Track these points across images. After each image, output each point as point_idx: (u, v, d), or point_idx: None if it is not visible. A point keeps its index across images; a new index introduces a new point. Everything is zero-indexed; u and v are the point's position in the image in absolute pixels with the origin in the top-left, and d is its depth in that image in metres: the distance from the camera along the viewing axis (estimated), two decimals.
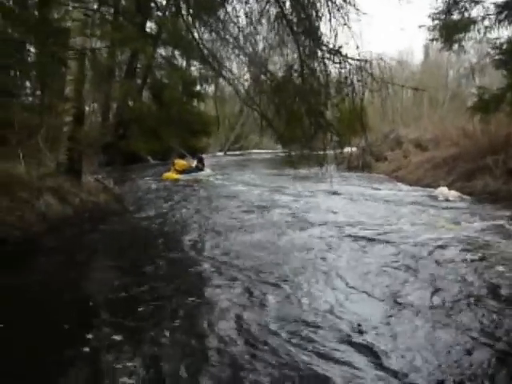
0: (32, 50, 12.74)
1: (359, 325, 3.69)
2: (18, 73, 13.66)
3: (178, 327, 3.75)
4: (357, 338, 3.48)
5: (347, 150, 17.00)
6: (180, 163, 16.87)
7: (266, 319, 3.86)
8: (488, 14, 12.12)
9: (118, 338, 3.53)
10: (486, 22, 12.34)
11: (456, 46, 13.71)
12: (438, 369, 3.06)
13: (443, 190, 11.25)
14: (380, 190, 12.89)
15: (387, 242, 6.47)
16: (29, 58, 13.19)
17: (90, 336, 3.61)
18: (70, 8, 10.88)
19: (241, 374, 3.03)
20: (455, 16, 12.57)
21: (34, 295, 4.53)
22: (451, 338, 3.51)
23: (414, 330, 3.63)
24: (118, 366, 3.11)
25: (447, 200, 10.54)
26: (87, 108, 19.45)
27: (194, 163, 17.36)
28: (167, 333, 3.63)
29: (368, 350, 3.29)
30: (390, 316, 3.91)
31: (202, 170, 17.61)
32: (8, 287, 4.66)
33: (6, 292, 4.54)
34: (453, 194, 10.91)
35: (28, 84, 15.07)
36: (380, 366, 3.08)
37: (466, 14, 12.39)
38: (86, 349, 3.38)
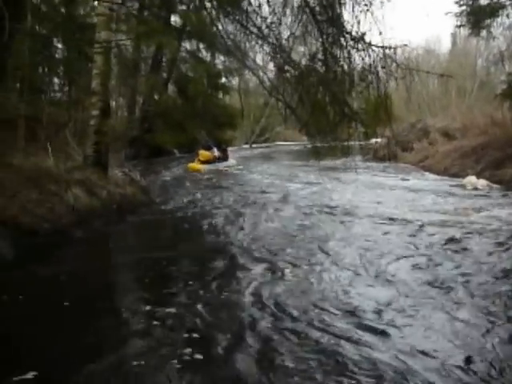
0: (59, 46, 12.95)
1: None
2: (46, 69, 13.88)
3: (208, 310, 3.80)
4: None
5: (373, 140, 16.97)
6: (204, 154, 17.32)
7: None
8: None
9: (144, 324, 3.59)
10: None
11: (484, 32, 13.49)
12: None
13: (471, 179, 11.10)
14: (407, 180, 12.78)
15: (418, 230, 6.43)
16: (56, 55, 13.40)
17: (117, 323, 3.70)
18: (96, 3, 11.01)
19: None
20: (483, 1, 12.32)
21: (65, 285, 4.61)
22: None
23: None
24: (146, 353, 3.15)
25: (476, 189, 10.41)
26: (114, 102, 19.72)
27: (217, 154, 17.73)
28: (199, 319, 3.67)
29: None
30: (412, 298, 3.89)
31: (226, 160, 18.22)
32: (40, 278, 4.77)
33: (38, 282, 4.65)
34: (481, 182, 10.75)
35: (56, 80, 15.31)
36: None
37: None
38: (114, 337, 3.45)
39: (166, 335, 3.41)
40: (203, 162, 16.88)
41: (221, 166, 17.31)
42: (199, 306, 3.88)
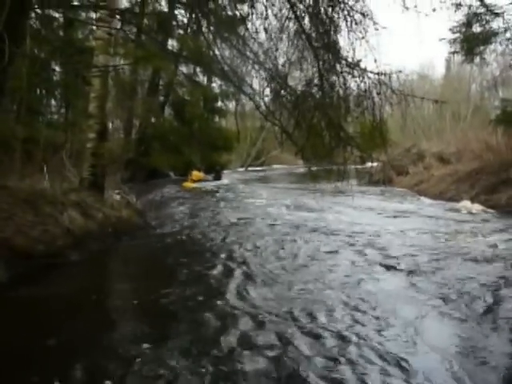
0: (57, 69, 13.06)
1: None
2: (43, 91, 13.98)
3: (203, 333, 3.79)
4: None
5: (368, 164, 17.07)
6: (196, 174, 20.27)
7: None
8: (509, 26, 12.03)
9: (141, 346, 3.56)
10: (508, 34, 12.26)
11: (478, 59, 13.66)
12: None
13: (466, 204, 11.14)
14: (402, 204, 12.82)
15: (411, 255, 6.41)
16: (54, 77, 13.50)
17: (112, 345, 3.67)
18: (94, 28, 11.13)
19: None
20: (476, 29, 12.51)
21: (58, 308, 4.60)
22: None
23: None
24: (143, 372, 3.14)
25: (470, 213, 10.44)
26: (110, 125, 19.81)
27: (207, 176, 21.06)
28: (195, 342, 3.66)
29: None
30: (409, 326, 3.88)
31: (219, 179, 21.44)
32: (33, 300, 4.74)
33: (31, 305, 4.63)
34: (476, 207, 10.80)
35: (53, 102, 15.41)
36: None
37: (487, 27, 12.32)
38: (110, 360, 3.42)
39: (160, 360, 3.37)
40: (195, 181, 19.68)
41: (211, 184, 19.87)
42: (194, 331, 3.87)
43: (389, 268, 5.79)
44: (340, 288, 5.03)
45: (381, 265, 5.95)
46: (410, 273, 5.53)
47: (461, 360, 3.29)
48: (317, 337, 3.71)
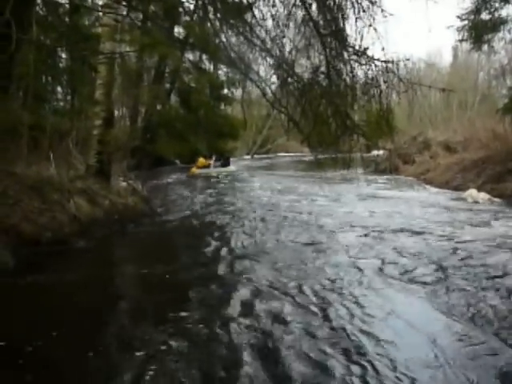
0: (63, 55, 13.03)
1: None
2: (49, 78, 13.95)
3: (206, 316, 3.83)
4: None
5: (374, 152, 17.04)
6: (201, 161, 20.69)
7: None
8: None
9: (144, 332, 3.60)
10: None
11: (485, 47, 13.56)
12: None
13: (472, 193, 11.11)
14: (408, 192, 12.80)
15: (417, 243, 6.42)
16: (60, 64, 13.48)
17: (119, 329, 3.74)
18: (100, 14, 11.09)
19: None
20: (484, 16, 12.39)
21: (64, 294, 4.63)
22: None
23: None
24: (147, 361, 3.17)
25: (476, 202, 10.41)
26: (116, 112, 19.79)
27: (213, 161, 21.20)
28: (200, 326, 3.72)
29: None
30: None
31: (227, 166, 21.86)
32: (40, 286, 4.77)
33: (38, 291, 4.66)
34: (482, 196, 10.76)
35: (59, 89, 15.39)
36: None
37: (496, 14, 12.19)
38: (112, 345, 3.46)
39: (166, 347, 3.40)
40: (199, 167, 20.24)
41: (216, 170, 20.65)
42: (199, 317, 3.90)
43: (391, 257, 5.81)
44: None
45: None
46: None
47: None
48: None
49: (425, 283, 4.71)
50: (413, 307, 4.20)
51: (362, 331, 3.58)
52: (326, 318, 3.88)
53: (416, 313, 4.06)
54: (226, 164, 22.03)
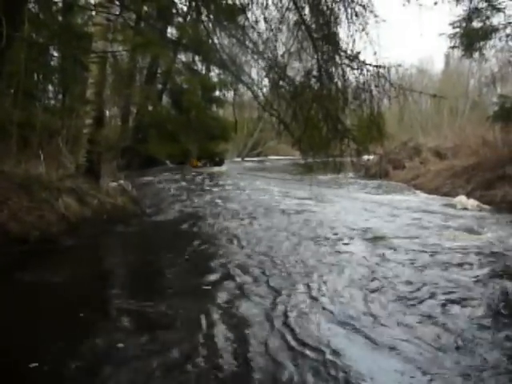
0: (55, 54, 12.98)
1: None
2: (40, 76, 13.89)
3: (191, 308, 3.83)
4: None
5: (365, 157, 17.09)
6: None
7: None
8: (510, 22, 12.01)
9: (134, 329, 3.59)
10: (508, 30, 12.24)
11: (477, 54, 13.64)
12: None
13: (462, 199, 11.15)
14: (398, 198, 12.83)
15: (404, 249, 6.42)
16: (52, 62, 13.43)
17: (106, 329, 3.71)
18: (93, 13, 11.06)
19: None
20: (476, 24, 12.48)
21: (50, 292, 4.61)
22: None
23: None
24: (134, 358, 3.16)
25: (465, 209, 10.45)
26: (108, 112, 19.75)
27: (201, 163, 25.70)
28: (188, 323, 3.75)
29: None
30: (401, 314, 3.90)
31: (220, 165, 26.45)
32: (26, 285, 4.74)
33: (24, 289, 4.63)
34: (471, 203, 10.80)
35: (50, 87, 15.33)
36: None
37: (488, 22, 12.29)
38: (103, 343, 3.44)
39: (152, 345, 3.39)
40: (193, 166, 24.41)
41: (210, 169, 24.08)
42: (185, 316, 3.90)
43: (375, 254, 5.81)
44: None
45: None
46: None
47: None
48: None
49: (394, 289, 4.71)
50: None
51: None
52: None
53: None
54: (219, 164, 26.76)
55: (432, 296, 4.45)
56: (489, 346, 3.43)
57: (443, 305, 4.22)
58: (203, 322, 3.82)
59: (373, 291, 4.61)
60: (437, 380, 2.96)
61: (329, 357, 3.23)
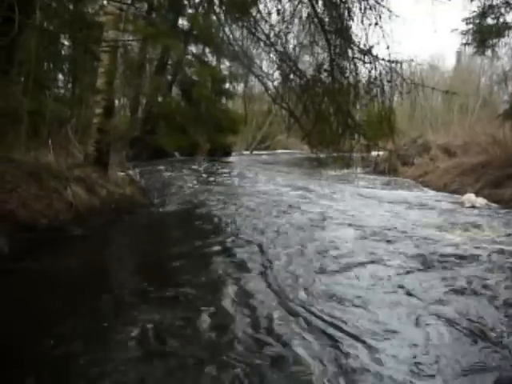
0: (66, 42, 12.97)
1: None
2: (51, 65, 13.89)
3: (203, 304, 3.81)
4: None
5: (374, 153, 17.04)
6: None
7: None
8: None
9: (137, 324, 3.58)
10: None
11: (489, 52, 13.56)
12: None
13: (470, 197, 11.08)
14: (405, 194, 12.78)
15: (410, 244, 6.39)
16: (62, 51, 13.42)
17: (114, 316, 3.72)
18: (105, 3, 11.05)
19: None
20: (489, 21, 12.37)
21: (60, 280, 4.63)
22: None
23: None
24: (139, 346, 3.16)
25: (474, 207, 10.39)
26: (117, 102, 19.78)
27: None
28: (196, 314, 3.72)
29: None
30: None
31: (229, 156, 27.90)
32: (34, 272, 4.77)
33: (34, 277, 4.66)
34: (480, 201, 10.74)
35: (60, 76, 15.33)
36: None
37: (501, 19, 12.18)
38: (113, 333, 3.45)
39: (159, 337, 3.39)
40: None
41: (219, 161, 23.70)
42: (195, 310, 3.89)
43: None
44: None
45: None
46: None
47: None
48: None
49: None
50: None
51: None
52: None
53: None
54: (227, 155, 28.02)
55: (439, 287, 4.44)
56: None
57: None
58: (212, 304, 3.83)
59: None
60: None
61: None
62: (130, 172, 10.35)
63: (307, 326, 3.59)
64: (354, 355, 3.15)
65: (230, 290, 4.38)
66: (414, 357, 3.14)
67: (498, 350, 3.29)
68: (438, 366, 3.04)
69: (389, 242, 6.57)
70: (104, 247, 6.45)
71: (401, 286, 4.57)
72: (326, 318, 3.75)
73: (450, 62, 52.88)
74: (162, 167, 17.90)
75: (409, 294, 4.38)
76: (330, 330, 3.53)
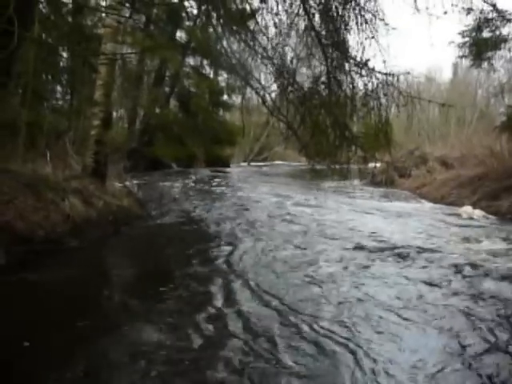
0: (64, 55, 13.04)
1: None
2: (49, 77, 13.95)
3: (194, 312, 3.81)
4: None
5: (371, 165, 17.06)
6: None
7: None
8: None
9: (131, 336, 3.57)
10: None
11: (485, 64, 13.64)
12: None
13: (467, 209, 11.10)
14: (403, 206, 12.80)
15: (408, 257, 6.39)
16: (61, 63, 13.48)
17: (108, 329, 3.71)
18: (103, 15, 11.11)
19: None
20: (485, 34, 12.47)
21: (56, 292, 4.62)
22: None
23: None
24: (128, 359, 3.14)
25: (471, 219, 10.40)
26: (115, 114, 19.82)
27: None
28: (189, 323, 3.74)
29: None
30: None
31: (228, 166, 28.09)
32: (30, 284, 4.76)
33: (30, 289, 4.65)
34: (477, 213, 10.76)
35: (58, 88, 15.39)
36: None
37: (497, 32, 12.27)
38: (107, 344, 3.43)
39: (155, 348, 3.38)
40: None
41: (216, 172, 23.24)
42: (188, 322, 3.88)
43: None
44: None
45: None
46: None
47: None
48: None
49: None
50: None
51: None
52: None
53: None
54: (225, 166, 27.56)
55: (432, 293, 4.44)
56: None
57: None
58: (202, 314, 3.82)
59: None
60: None
61: None
62: (128, 183, 10.35)
63: None
64: None
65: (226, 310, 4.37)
66: None
67: None
68: None
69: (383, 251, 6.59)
70: (100, 260, 6.44)
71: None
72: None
73: (447, 75, 53.24)
74: (159, 178, 17.90)
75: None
76: None
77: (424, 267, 5.88)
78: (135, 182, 12.09)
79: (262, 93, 7.07)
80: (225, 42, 7.08)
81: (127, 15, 10.07)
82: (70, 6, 13.08)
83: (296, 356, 3.30)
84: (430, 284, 5.15)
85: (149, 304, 4.30)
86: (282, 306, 4.31)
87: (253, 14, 7.09)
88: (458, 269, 5.78)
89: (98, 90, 9.34)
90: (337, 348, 3.45)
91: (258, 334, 3.68)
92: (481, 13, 10.08)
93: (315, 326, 3.82)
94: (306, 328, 3.80)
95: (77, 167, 9.27)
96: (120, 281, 5.40)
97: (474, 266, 5.94)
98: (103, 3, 12.13)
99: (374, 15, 5.90)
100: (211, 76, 26.64)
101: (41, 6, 9.11)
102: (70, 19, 12.92)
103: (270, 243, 7.06)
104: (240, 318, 4.03)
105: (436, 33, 7.79)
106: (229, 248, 6.78)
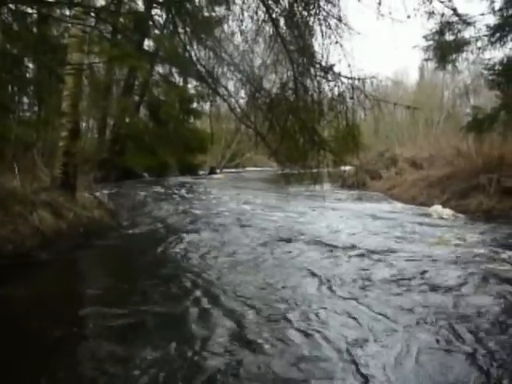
0: (30, 65, 12.85)
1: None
2: (15, 88, 13.73)
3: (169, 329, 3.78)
4: None
5: (342, 168, 17.23)
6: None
7: None
8: (481, 36, 12.28)
9: (107, 346, 3.54)
10: (479, 43, 12.50)
11: (450, 67, 13.90)
12: None
13: (437, 208, 11.31)
14: (374, 207, 12.94)
15: (380, 258, 6.47)
16: (27, 74, 13.27)
17: (79, 347, 3.65)
18: (69, 25, 10.99)
19: None
20: (448, 37, 12.72)
21: (25, 307, 4.55)
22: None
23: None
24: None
25: (441, 218, 10.59)
26: (84, 124, 19.64)
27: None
28: (162, 341, 3.67)
29: None
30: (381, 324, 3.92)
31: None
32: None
33: None
34: (447, 212, 10.96)
35: (25, 99, 15.15)
36: None
37: (459, 35, 12.53)
38: (74, 361, 3.39)
39: (124, 365, 3.35)
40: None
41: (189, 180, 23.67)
42: (161, 336, 3.87)
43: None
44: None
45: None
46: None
47: None
48: None
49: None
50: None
51: None
52: None
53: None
54: (197, 174, 28.40)
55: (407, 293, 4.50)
56: None
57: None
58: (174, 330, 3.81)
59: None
60: None
61: None
62: (98, 194, 10.23)
63: None
64: None
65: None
66: None
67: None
68: None
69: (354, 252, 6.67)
70: (69, 273, 6.37)
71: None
72: None
73: (413, 77, 54.02)
74: (130, 188, 17.76)
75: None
76: None
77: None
78: (106, 192, 11.95)
79: (230, 100, 7.08)
80: (192, 50, 7.07)
81: (93, 24, 9.97)
82: (35, 16, 12.92)
83: None
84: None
85: (116, 318, 4.24)
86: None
87: (219, 21, 7.12)
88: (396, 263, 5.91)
89: (65, 101, 9.22)
90: None
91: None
92: (442, 16, 10.23)
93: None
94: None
95: (46, 179, 9.12)
96: (89, 294, 5.31)
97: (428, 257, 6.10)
98: (68, 13, 12.00)
99: (338, 20, 5.97)
100: (181, 84, 26.59)
101: (4, 16, 8.96)
102: (34, 29, 12.74)
103: (238, 251, 7.09)
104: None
105: (402, 36, 7.92)
106: (195, 255, 6.80)
